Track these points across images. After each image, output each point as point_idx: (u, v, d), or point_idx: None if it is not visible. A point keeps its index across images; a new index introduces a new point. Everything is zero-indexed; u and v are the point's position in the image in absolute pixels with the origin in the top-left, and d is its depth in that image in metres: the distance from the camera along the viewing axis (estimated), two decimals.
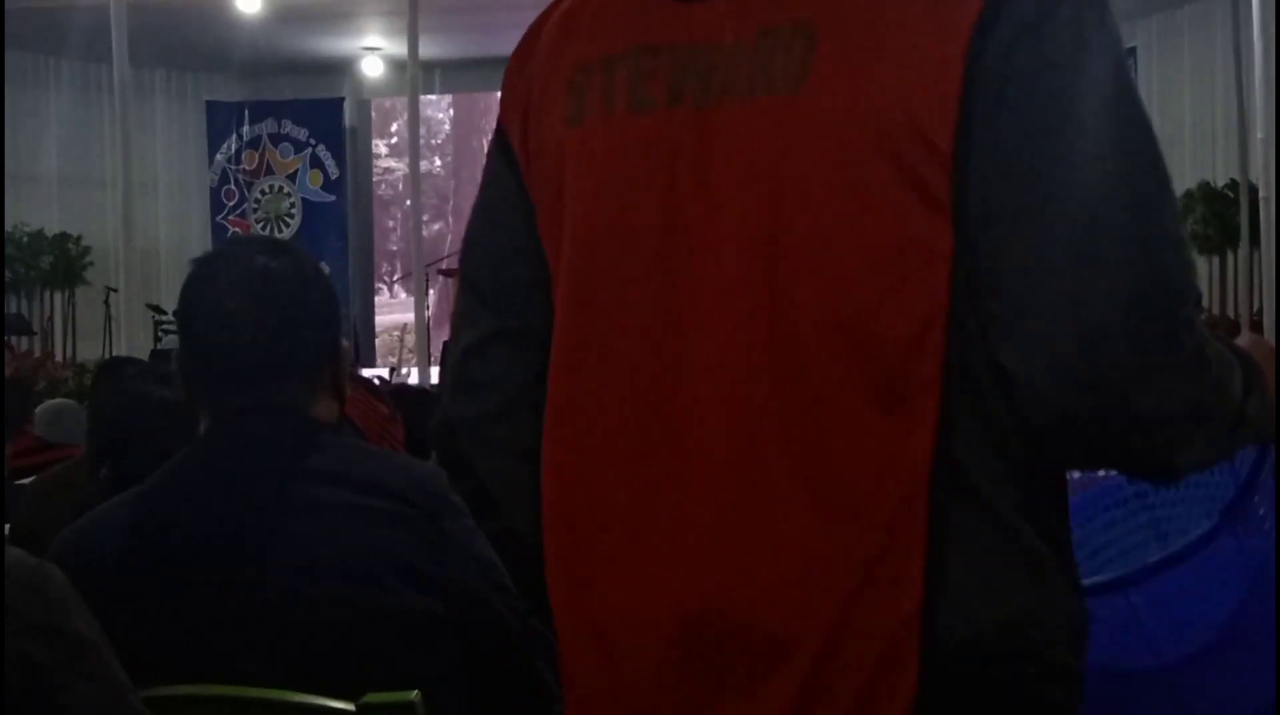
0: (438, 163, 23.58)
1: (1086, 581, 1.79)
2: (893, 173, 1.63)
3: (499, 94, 1.96)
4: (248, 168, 23.36)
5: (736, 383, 1.66)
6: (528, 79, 1.87)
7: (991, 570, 1.63)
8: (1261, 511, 2.11)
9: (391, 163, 23.42)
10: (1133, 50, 20.91)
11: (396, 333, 21.99)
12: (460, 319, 1.90)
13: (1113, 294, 1.57)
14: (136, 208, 13.17)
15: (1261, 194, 10.73)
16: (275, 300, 2.50)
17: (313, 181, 23.28)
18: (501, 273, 1.88)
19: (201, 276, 2.56)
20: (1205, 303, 17.58)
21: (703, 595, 1.66)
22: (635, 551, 1.71)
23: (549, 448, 1.79)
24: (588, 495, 1.74)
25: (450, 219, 22.98)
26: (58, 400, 7.95)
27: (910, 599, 1.60)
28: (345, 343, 2.75)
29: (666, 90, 1.74)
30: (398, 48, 18.52)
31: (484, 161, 1.92)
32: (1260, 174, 11.17)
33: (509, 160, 1.88)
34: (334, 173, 23.24)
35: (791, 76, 1.68)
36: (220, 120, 23.39)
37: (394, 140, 23.86)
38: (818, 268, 1.64)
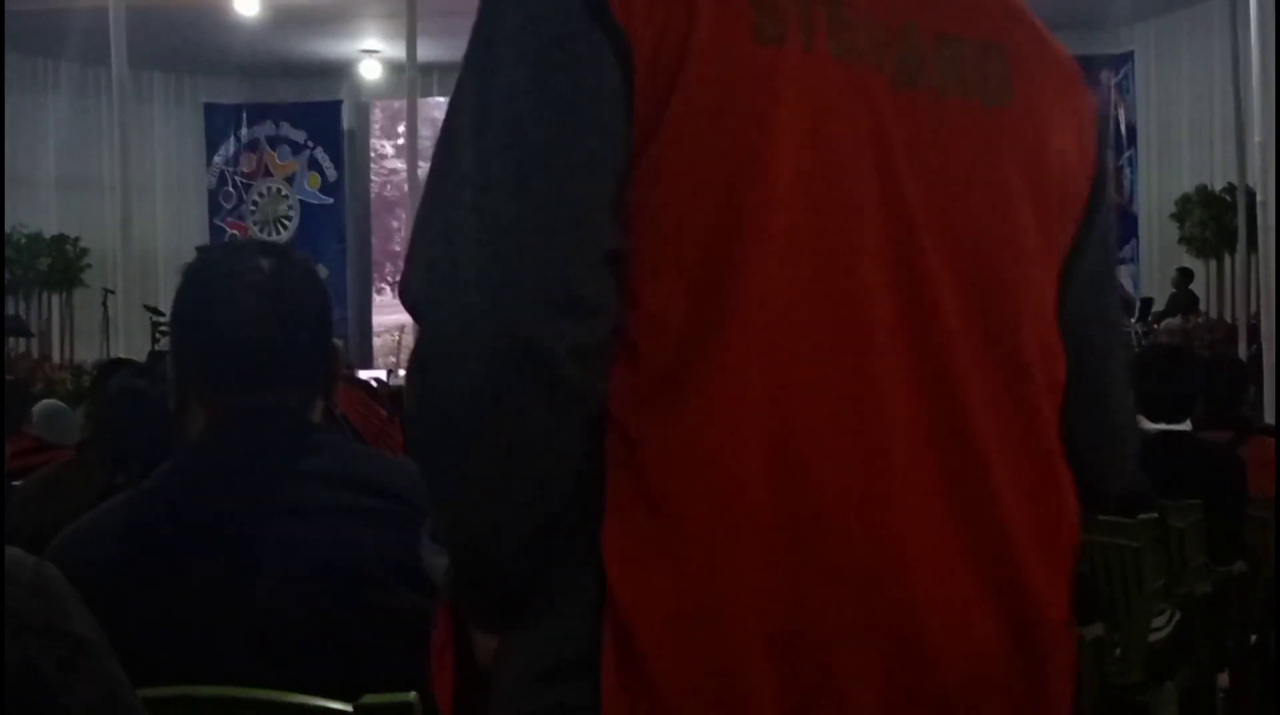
0: None
1: None
2: (1053, 209, 1.74)
3: None
4: (246, 170, 23.38)
5: (985, 387, 1.65)
6: None
7: None
8: None
9: (397, 164, 23.48)
10: (1130, 55, 20.93)
11: (395, 334, 22.01)
12: (566, 226, 1.53)
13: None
14: (134, 210, 13.17)
15: (1259, 198, 10.72)
16: (276, 303, 2.50)
17: (311, 184, 23.29)
18: (605, 190, 1.54)
19: (201, 277, 2.57)
20: (1203, 306, 17.58)
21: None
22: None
23: (766, 418, 1.55)
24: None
25: None
26: (54, 401, 7.95)
27: None
28: (339, 343, 2.76)
29: (868, 49, 1.62)
30: (396, 50, 18.54)
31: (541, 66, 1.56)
32: (1258, 178, 11.17)
33: (623, 67, 1.54)
34: (332, 175, 23.24)
35: (994, 88, 1.70)
36: (218, 122, 23.41)
37: (400, 142, 23.90)
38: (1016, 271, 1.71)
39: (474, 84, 1.58)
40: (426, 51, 15.79)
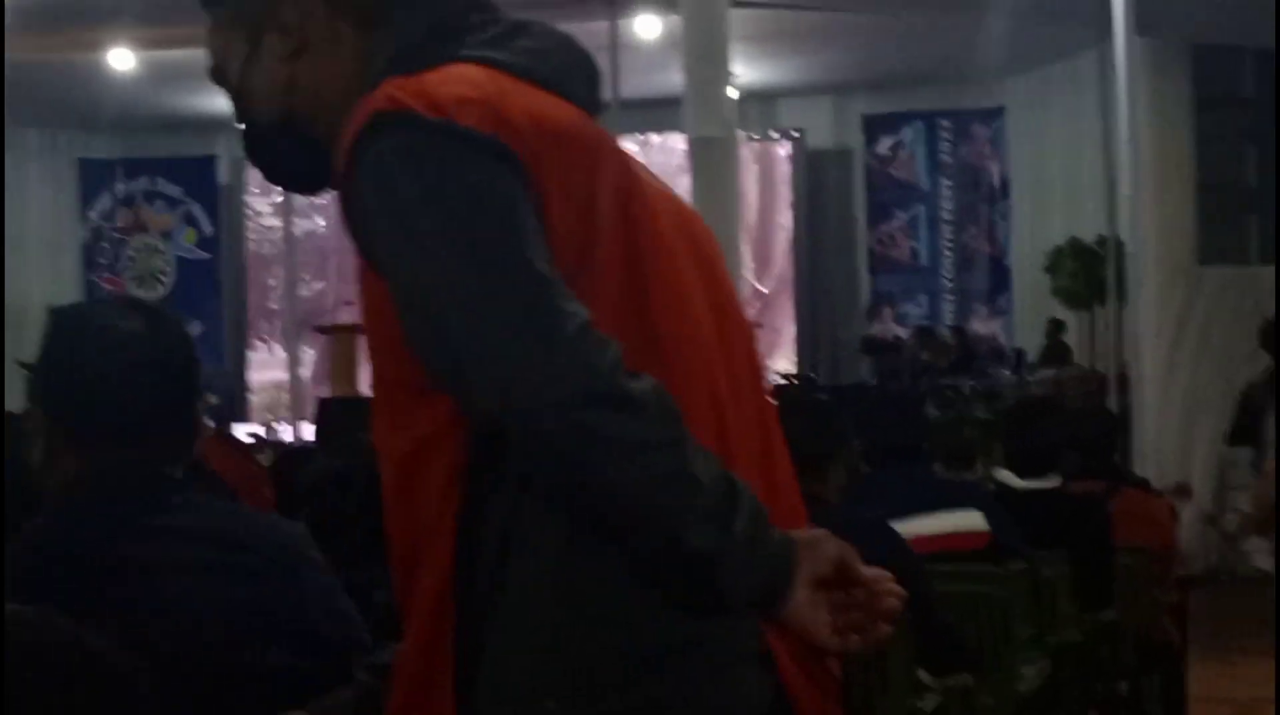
0: (320, 222, 23.43)
1: None
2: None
3: None
4: (121, 225, 23.17)
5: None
6: (546, 130, 2.00)
7: None
8: None
9: (274, 221, 23.41)
10: (1002, 109, 21.20)
11: (273, 390, 21.86)
12: (566, 298, 1.91)
13: None
14: (8, 266, 13.03)
15: (1129, 249, 10.89)
16: (144, 362, 2.53)
17: (187, 239, 23.12)
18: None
19: (69, 333, 2.58)
20: (1076, 357, 17.80)
21: None
22: None
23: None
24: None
25: (332, 277, 22.86)
26: None
27: None
28: (212, 399, 2.82)
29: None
30: None
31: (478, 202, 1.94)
32: (1126, 230, 11.34)
33: (529, 199, 1.95)
34: (208, 230, 23.07)
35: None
36: (93, 178, 23.21)
37: (277, 199, 23.90)
38: None
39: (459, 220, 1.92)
40: None
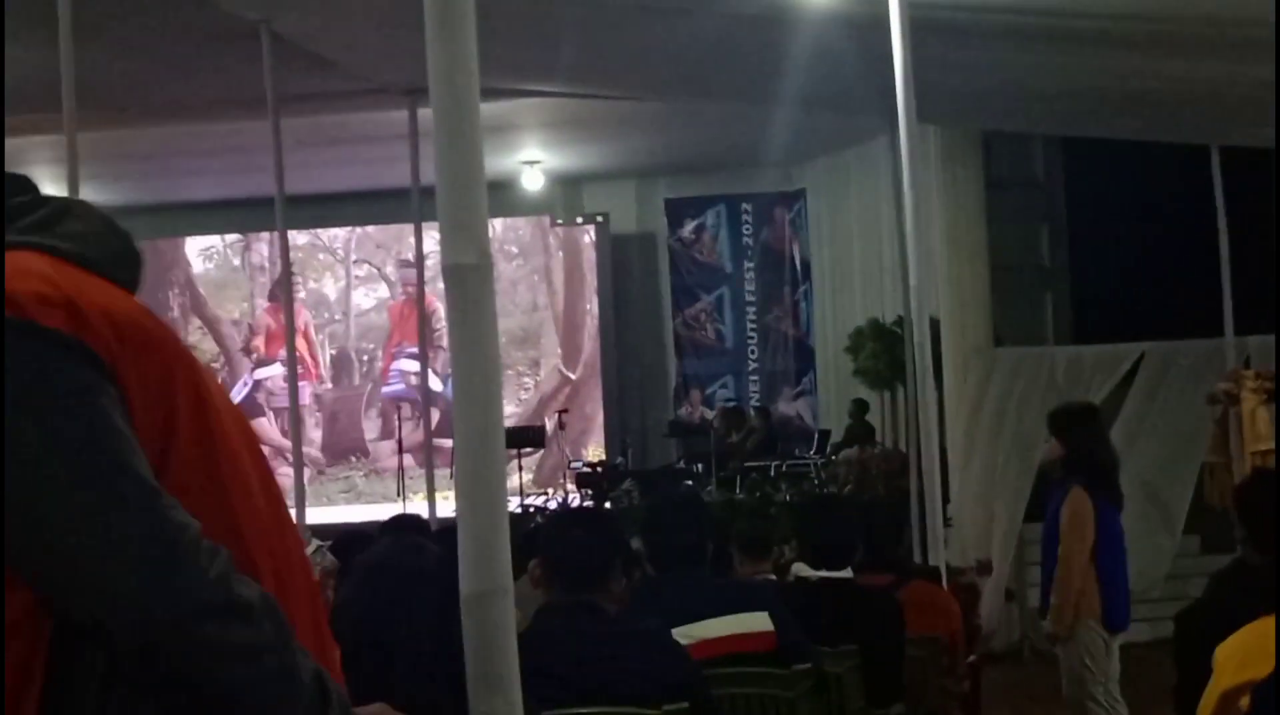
0: None
1: None
2: None
3: None
4: None
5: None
6: (121, 329, 1.96)
7: None
8: None
9: None
10: (802, 192, 21.48)
11: None
12: (174, 508, 1.91)
13: None
14: None
15: (916, 338, 11.02)
16: None
17: None
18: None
19: None
20: (879, 436, 18.00)
21: None
22: None
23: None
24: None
25: None
26: None
27: None
28: None
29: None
30: None
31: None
32: (914, 315, 11.45)
33: (117, 402, 1.92)
34: None
35: None
36: None
37: None
38: None
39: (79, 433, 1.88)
40: None
